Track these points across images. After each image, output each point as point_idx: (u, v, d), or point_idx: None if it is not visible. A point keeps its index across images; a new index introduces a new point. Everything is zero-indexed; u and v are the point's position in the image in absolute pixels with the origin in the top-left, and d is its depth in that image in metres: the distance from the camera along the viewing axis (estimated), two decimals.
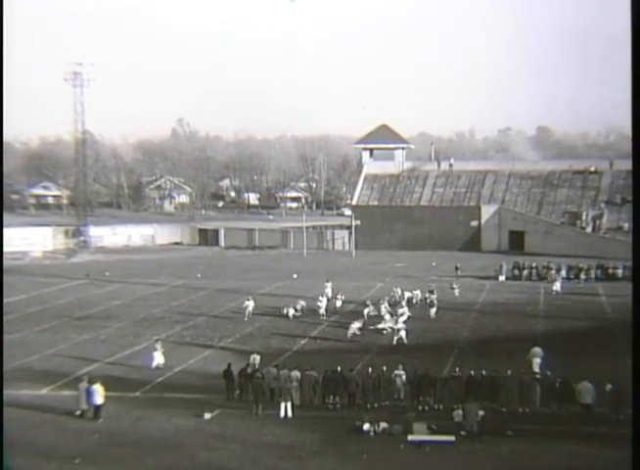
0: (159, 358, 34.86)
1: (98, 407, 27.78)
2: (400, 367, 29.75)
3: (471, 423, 25.74)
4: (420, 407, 28.38)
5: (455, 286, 52.88)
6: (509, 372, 29.14)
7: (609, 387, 27.33)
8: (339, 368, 29.63)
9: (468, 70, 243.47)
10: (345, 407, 28.59)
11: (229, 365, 30.60)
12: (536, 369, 31.12)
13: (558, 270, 61.26)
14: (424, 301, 48.70)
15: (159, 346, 35.54)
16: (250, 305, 46.66)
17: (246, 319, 45.29)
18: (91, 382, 28.43)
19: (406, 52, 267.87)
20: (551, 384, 28.27)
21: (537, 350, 32.96)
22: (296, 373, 29.38)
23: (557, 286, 55.26)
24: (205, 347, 39.14)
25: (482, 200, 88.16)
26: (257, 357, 32.46)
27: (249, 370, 30.09)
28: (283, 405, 27.85)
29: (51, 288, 59.79)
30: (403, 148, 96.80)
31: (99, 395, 27.81)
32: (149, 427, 27.09)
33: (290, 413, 27.78)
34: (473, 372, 28.89)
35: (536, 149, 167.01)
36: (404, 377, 29.29)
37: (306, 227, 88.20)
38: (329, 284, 52.96)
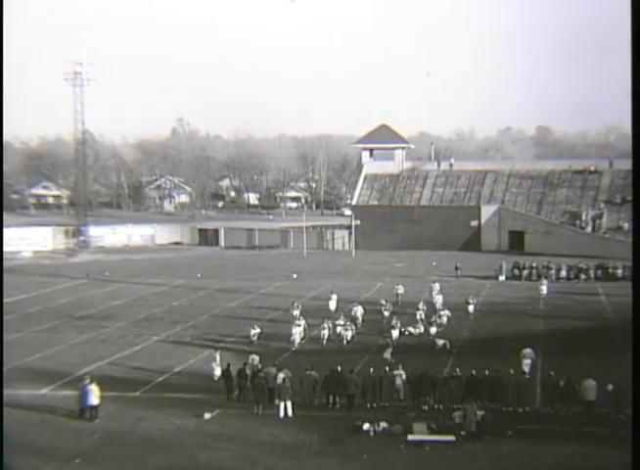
0: (217, 370, 32.27)
1: (94, 408, 27.72)
2: (400, 367, 29.81)
3: (470, 423, 25.74)
4: (422, 407, 28.34)
5: (471, 301, 46.84)
6: (511, 372, 29.16)
7: (609, 387, 27.36)
8: (339, 368, 29.69)
9: (467, 70, 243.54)
10: (345, 408, 28.59)
11: (228, 365, 30.57)
12: (525, 369, 31.07)
13: (558, 270, 61.42)
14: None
15: (217, 356, 33.21)
16: (256, 333, 39.74)
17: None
18: (89, 382, 28.39)
19: (406, 51, 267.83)
20: (554, 383, 28.27)
21: (528, 351, 32.91)
22: (288, 373, 29.42)
23: (543, 289, 53.02)
24: (205, 347, 39.13)
25: (482, 200, 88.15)
26: (256, 358, 32.37)
27: (247, 371, 30.01)
28: (282, 405, 27.85)
29: (51, 288, 59.81)
30: (403, 148, 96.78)
31: (94, 395, 27.74)
32: (149, 427, 27.09)
33: (290, 413, 27.78)
34: (474, 372, 28.83)
35: (536, 148, 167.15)
36: (404, 377, 29.31)
37: (306, 227, 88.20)
38: (334, 296, 47.46)
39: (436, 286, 50.80)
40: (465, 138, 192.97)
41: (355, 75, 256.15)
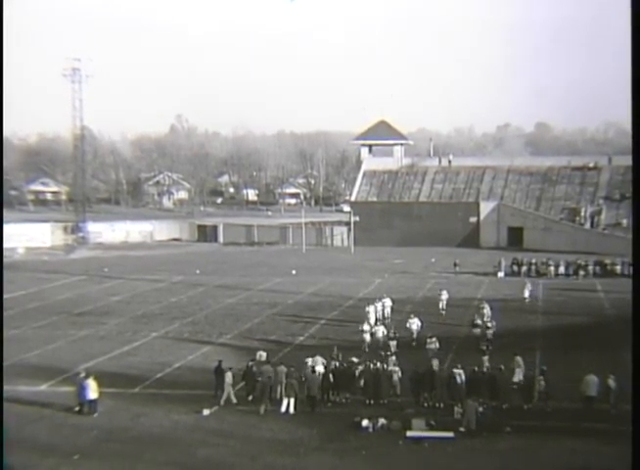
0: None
1: (92, 402, 27.70)
2: (398, 363, 29.81)
3: (469, 420, 25.72)
4: (423, 404, 28.30)
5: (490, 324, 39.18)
6: (501, 367, 29.09)
7: (609, 382, 27.36)
8: (336, 364, 29.69)
9: (467, 67, 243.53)
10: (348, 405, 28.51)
11: (220, 362, 30.37)
12: (515, 379, 29.54)
13: (557, 266, 61.40)
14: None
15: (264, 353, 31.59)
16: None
17: None
18: (85, 376, 28.36)
19: (405, 48, 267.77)
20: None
21: (518, 358, 30.46)
22: (284, 369, 29.39)
23: (526, 293, 50.28)
24: (203, 343, 39.13)
25: (481, 196, 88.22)
26: (264, 354, 31.98)
27: (254, 368, 29.57)
28: (286, 401, 27.80)
29: (50, 284, 59.77)
30: (402, 144, 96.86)
31: (92, 389, 27.71)
32: (147, 423, 27.06)
33: (292, 409, 27.74)
34: (476, 368, 28.84)
35: (533, 145, 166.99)
36: (400, 373, 29.31)
37: (305, 223, 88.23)
38: (372, 309, 40.86)
39: (444, 293, 47.71)
40: (464, 134, 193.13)
41: (354, 72, 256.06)
